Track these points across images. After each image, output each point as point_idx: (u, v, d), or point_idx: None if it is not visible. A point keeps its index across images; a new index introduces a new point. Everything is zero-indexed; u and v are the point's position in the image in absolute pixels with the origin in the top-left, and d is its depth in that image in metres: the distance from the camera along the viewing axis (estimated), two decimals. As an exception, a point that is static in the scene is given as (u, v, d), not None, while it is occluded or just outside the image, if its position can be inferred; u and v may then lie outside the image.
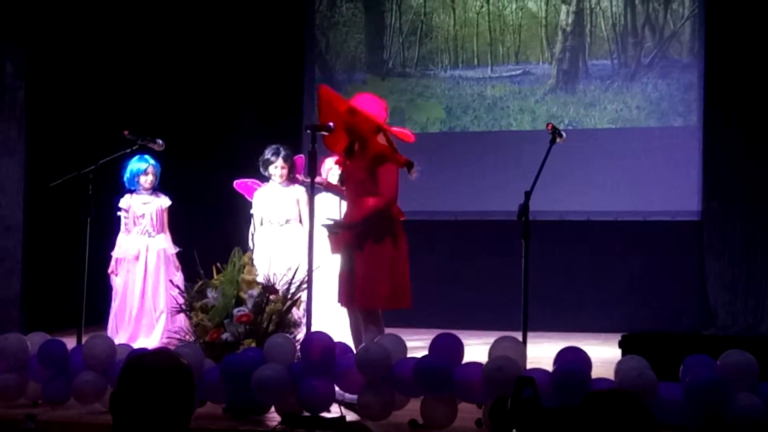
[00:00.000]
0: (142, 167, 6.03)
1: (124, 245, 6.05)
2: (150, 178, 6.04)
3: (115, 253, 6.05)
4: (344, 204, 4.87)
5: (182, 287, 5.24)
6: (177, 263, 6.06)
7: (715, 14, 7.52)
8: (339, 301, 4.78)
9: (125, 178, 6.06)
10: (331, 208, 5.31)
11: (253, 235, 5.81)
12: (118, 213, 6.10)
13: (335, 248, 4.73)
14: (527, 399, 2.14)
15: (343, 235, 4.60)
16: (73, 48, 7.81)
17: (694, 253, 7.52)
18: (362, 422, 3.90)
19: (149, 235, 6.04)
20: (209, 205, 7.93)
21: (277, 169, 5.79)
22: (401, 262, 4.59)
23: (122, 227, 6.09)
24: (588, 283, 7.61)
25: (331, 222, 4.64)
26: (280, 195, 5.86)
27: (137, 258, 6.01)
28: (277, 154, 5.81)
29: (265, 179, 5.95)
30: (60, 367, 4.37)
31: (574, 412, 1.73)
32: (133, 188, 6.06)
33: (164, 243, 6.07)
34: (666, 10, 7.83)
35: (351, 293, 4.61)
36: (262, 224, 5.88)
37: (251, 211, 6.00)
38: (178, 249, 6.07)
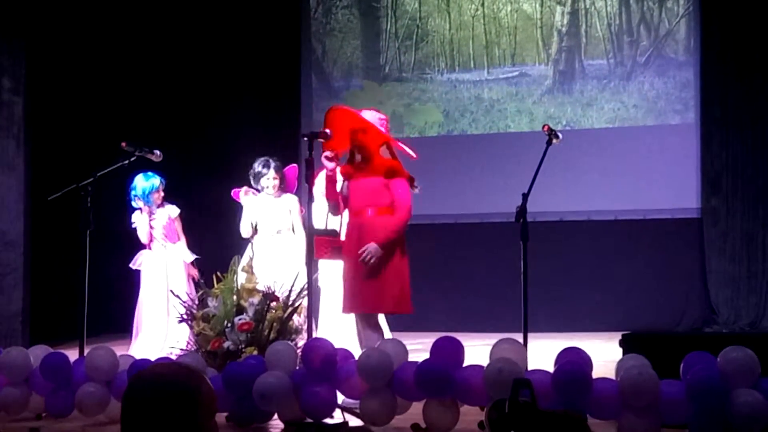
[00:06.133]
0: (155, 184, 6.01)
1: (146, 259, 6.05)
2: (162, 193, 6.06)
3: (140, 266, 6.05)
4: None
5: (192, 295, 5.23)
6: (194, 271, 6.05)
7: (710, 12, 7.54)
8: (345, 308, 4.75)
9: (139, 196, 5.98)
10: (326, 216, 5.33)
11: (251, 243, 5.80)
12: (133, 225, 6.08)
13: (331, 254, 4.74)
14: (524, 402, 2.15)
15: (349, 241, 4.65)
16: (70, 61, 7.84)
17: (695, 250, 7.53)
18: (367, 427, 3.91)
19: (165, 247, 6.04)
20: (208, 215, 7.95)
21: (269, 180, 5.83)
22: (407, 268, 4.68)
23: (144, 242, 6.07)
24: (589, 282, 7.62)
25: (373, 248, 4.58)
26: (271, 206, 5.89)
27: (158, 271, 6.01)
28: (267, 166, 5.84)
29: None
30: (63, 379, 4.38)
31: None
32: (149, 204, 6.01)
33: (183, 252, 6.07)
34: (661, 9, 7.85)
35: (356, 298, 4.62)
36: (256, 231, 5.89)
37: (250, 221, 6.01)
38: (195, 256, 6.08)
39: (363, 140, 4.66)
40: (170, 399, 1.90)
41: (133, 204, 6.04)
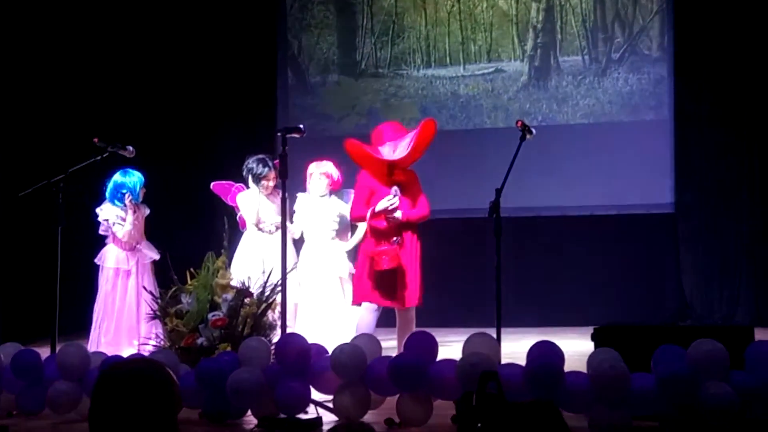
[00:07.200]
0: (142, 179, 5.91)
1: (117, 257, 5.96)
2: (145, 189, 5.98)
3: (108, 264, 5.96)
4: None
5: (155, 293, 5.21)
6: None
7: (684, 9, 7.60)
8: (383, 301, 5.12)
9: (130, 191, 5.86)
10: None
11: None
12: (105, 222, 5.97)
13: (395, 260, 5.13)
14: (491, 394, 2.16)
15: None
16: (40, 55, 7.75)
17: (669, 246, 7.59)
18: (365, 425, 3.92)
19: (137, 248, 5.96)
20: (182, 211, 7.90)
21: (269, 181, 5.78)
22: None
23: (110, 238, 5.97)
24: (564, 277, 7.65)
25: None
26: (267, 203, 5.85)
27: (129, 272, 5.94)
28: (267, 166, 5.75)
29: (244, 182, 5.94)
30: (34, 377, 4.34)
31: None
32: (136, 200, 5.90)
33: (151, 252, 6.01)
34: (635, 6, 7.90)
35: (403, 292, 5.10)
36: (257, 227, 5.85)
37: (240, 214, 5.95)
38: (159, 253, 6.02)
39: (401, 164, 5.27)
40: (141, 392, 1.89)
41: (116, 202, 5.88)
